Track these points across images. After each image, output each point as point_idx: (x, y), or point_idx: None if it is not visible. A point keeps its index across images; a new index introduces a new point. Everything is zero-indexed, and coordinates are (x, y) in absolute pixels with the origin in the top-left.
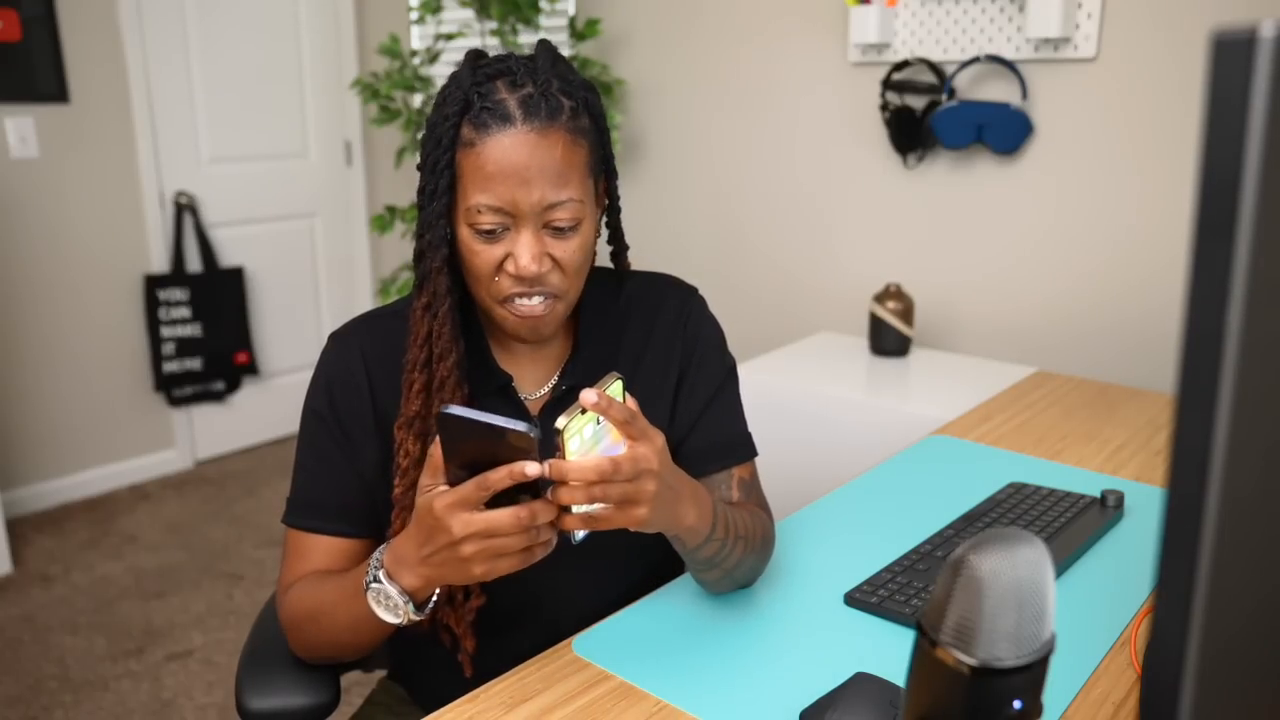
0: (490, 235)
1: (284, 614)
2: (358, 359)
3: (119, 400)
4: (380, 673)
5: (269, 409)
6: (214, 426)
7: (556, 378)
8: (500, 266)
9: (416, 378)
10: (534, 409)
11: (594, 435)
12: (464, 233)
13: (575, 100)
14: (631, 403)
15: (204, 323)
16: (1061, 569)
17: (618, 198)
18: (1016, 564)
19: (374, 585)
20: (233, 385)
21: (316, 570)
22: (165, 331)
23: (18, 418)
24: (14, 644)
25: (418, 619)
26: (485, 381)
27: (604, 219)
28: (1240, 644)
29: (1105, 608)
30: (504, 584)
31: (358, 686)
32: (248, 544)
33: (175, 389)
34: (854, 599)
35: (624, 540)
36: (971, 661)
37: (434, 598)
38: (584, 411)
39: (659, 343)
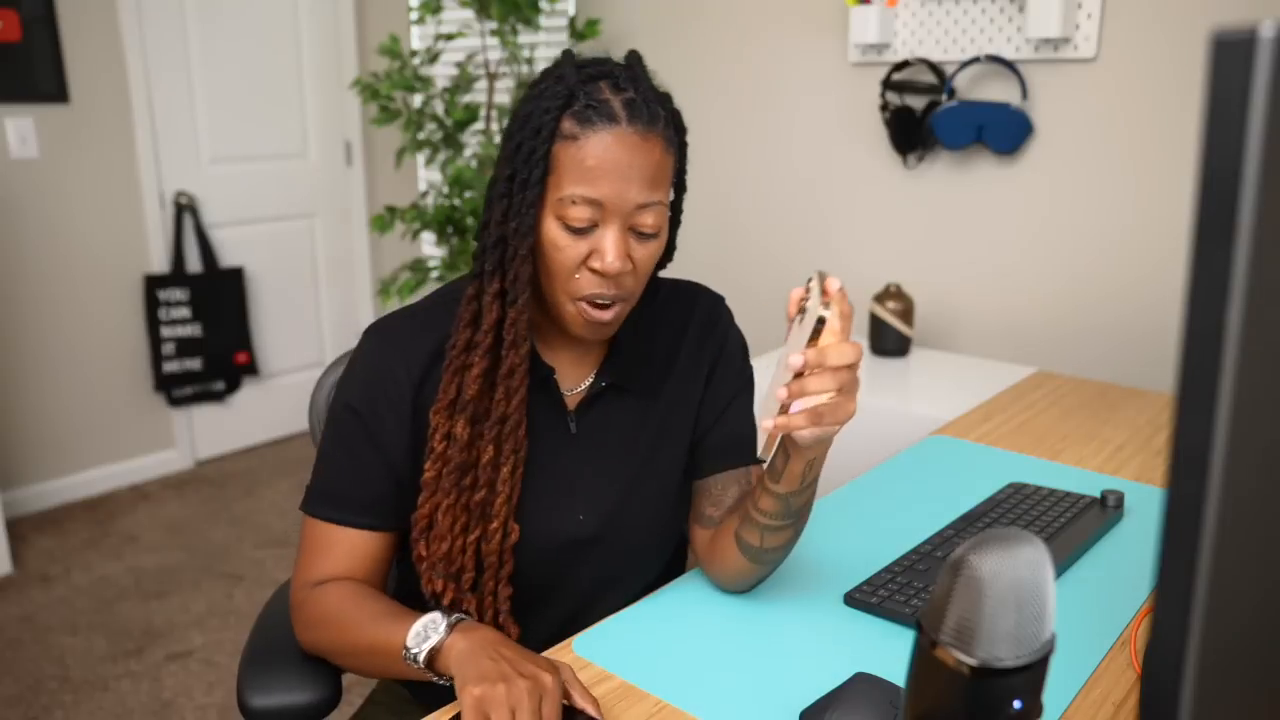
0: (578, 232)
1: (304, 610)
2: (397, 354)
3: (119, 400)
4: None
5: (269, 409)
6: (214, 426)
7: (594, 375)
8: (582, 264)
9: (476, 361)
10: (571, 403)
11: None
12: (550, 225)
13: (668, 113)
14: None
15: (204, 323)
16: (1061, 569)
17: (681, 211)
18: (1016, 564)
19: (435, 616)
20: (233, 385)
21: (350, 576)
22: (165, 331)
23: (18, 418)
24: (14, 644)
25: (418, 671)
26: (529, 372)
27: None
28: (1240, 644)
29: (1105, 608)
30: (527, 576)
31: (358, 686)
32: (248, 544)
33: (175, 389)
34: (854, 599)
35: (648, 539)
36: (971, 661)
37: (436, 679)
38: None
39: (692, 344)
